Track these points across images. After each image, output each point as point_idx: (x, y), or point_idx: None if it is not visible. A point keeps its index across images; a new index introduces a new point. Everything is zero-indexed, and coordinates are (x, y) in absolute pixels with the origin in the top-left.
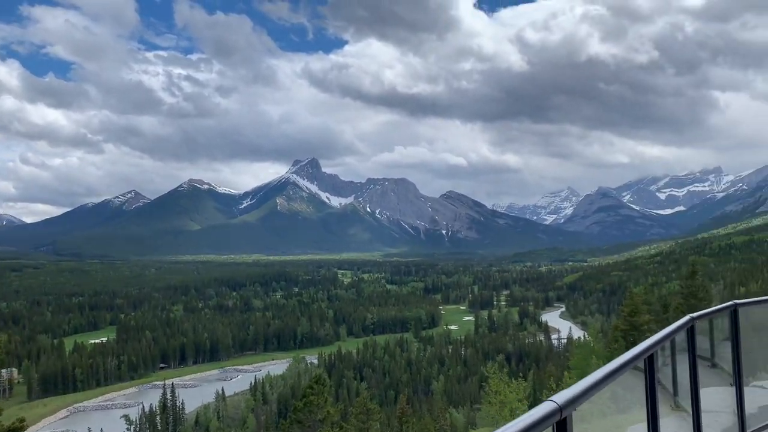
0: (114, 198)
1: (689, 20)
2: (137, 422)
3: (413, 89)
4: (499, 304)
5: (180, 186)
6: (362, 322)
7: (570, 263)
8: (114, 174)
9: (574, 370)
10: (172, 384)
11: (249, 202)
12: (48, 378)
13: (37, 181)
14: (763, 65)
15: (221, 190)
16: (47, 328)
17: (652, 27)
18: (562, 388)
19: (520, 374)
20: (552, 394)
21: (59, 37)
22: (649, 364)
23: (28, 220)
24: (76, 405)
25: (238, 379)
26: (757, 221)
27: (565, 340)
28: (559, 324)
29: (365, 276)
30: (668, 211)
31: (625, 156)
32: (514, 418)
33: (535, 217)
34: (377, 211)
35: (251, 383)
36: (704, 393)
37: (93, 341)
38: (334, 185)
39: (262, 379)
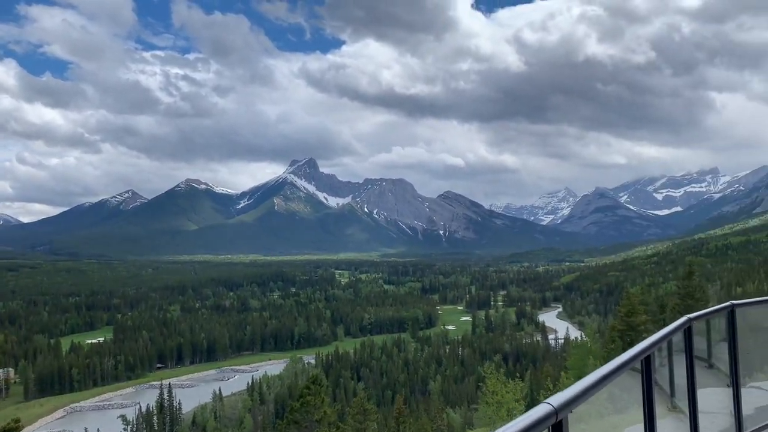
0: (111, 198)
1: (686, 21)
2: (134, 422)
3: (411, 90)
4: (496, 304)
5: (177, 186)
6: (359, 323)
7: (567, 263)
8: (111, 174)
9: (571, 370)
10: (169, 384)
11: (246, 202)
12: (45, 378)
13: (34, 181)
14: (760, 66)
15: (218, 190)
16: (44, 328)
17: (649, 28)
18: (560, 389)
19: (517, 374)
20: (549, 395)
21: (56, 37)
22: (645, 365)
23: (25, 219)
24: (72, 405)
25: (235, 379)
26: (753, 222)
27: (562, 341)
28: (556, 324)
29: (362, 276)
30: (665, 212)
31: (623, 156)
32: (511, 419)
33: (532, 218)
34: (375, 212)
35: (248, 383)
36: (701, 394)
37: (90, 341)
38: (332, 185)
39: (259, 380)
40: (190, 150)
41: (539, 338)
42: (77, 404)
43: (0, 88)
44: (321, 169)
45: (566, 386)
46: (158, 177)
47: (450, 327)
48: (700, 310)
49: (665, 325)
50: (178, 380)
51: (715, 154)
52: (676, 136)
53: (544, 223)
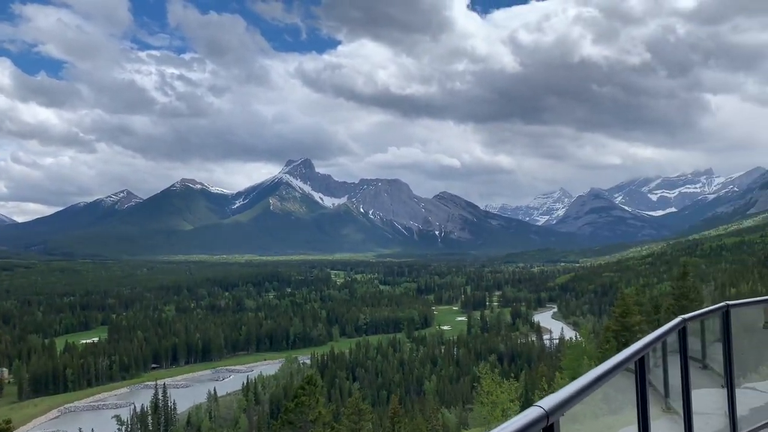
0: (106, 197)
1: (681, 23)
2: (128, 422)
3: (406, 90)
4: (491, 304)
5: (172, 186)
6: (355, 323)
7: (562, 264)
8: (106, 173)
9: (565, 370)
10: (164, 384)
11: (242, 202)
12: (39, 378)
13: (29, 180)
14: (754, 68)
15: (214, 190)
16: (38, 328)
17: (644, 29)
18: (554, 389)
19: (512, 375)
20: (544, 395)
21: (51, 36)
22: (639, 366)
23: (20, 219)
24: (66, 405)
25: (230, 379)
26: (747, 223)
27: (557, 341)
28: (551, 324)
29: (358, 276)
30: (660, 213)
31: (617, 157)
32: (506, 419)
33: (527, 218)
34: (370, 212)
35: (243, 383)
36: (696, 395)
37: (84, 341)
38: (327, 185)
39: (255, 380)
40: (185, 150)
41: (534, 338)
42: (71, 404)
43: None
44: (317, 169)
45: (561, 386)
46: (153, 177)
47: (445, 327)
48: (695, 310)
49: (660, 325)
50: (172, 380)
51: (710, 155)
52: (671, 137)
53: (539, 223)
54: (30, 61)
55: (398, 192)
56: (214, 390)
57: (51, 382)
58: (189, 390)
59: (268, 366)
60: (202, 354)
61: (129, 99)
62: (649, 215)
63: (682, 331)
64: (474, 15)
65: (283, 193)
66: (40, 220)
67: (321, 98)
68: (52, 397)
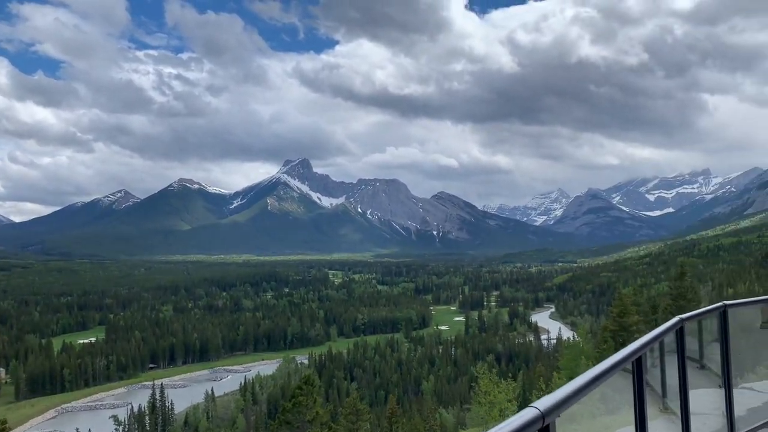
0: (104, 197)
1: (678, 23)
2: (126, 423)
3: (404, 90)
4: (489, 304)
5: (170, 185)
6: (353, 323)
7: (560, 264)
8: (104, 173)
9: (563, 370)
10: (162, 384)
11: (239, 202)
12: (36, 378)
13: (26, 180)
14: (751, 68)
15: (211, 189)
16: (35, 328)
17: (641, 29)
18: (552, 389)
19: (510, 374)
20: (541, 395)
21: (48, 36)
22: (637, 366)
23: (17, 219)
24: (64, 405)
25: (227, 379)
26: (745, 223)
27: (555, 341)
28: (549, 324)
29: (356, 276)
30: (657, 213)
31: (615, 158)
32: (503, 419)
33: (525, 218)
34: (368, 212)
35: (241, 383)
36: (693, 395)
37: (81, 341)
38: (325, 185)
39: (252, 380)
40: (183, 149)
41: (532, 338)
42: (68, 404)
43: None
44: (314, 169)
45: (558, 386)
46: (151, 176)
47: (443, 327)
48: (692, 310)
49: (657, 325)
50: (170, 380)
51: (707, 155)
52: (669, 137)
53: (537, 223)
54: (27, 61)
55: (396, 192)
56: (212, 390)
57: (48, 382)
58: (186, 390)
59: (266, 366)
60: (199, 354)
61: (126, 98)
62: (647, 215)
63: (679, 331)
64: (472, 15)
65: (281, 193)
66: (37, 219)
67: (319, 98)
68: (49, 398)
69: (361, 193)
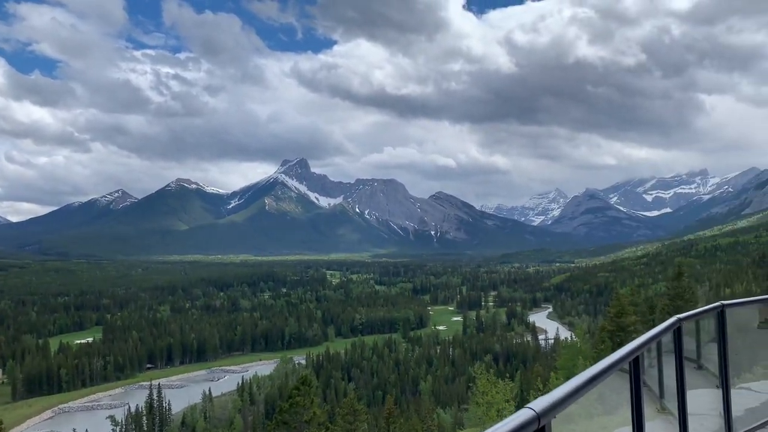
0: (101, 197)
1: (676, 23)
2: (123, 423)
3: (402, 90)
4: (487, 304)
5: (167, 185)
6: (350, 323)
7: (557, 264)
8: (101, 173)
9: (560, 370)
10: (159, 384)
11: (237, 202)
12: (33, 378)
13: (23, 180)
14: (748, 68)
15: (209, 189)
16: (32, 328)
17: (639, 30)
18: (550, 389)
19: (508, 375)
20: (539, 395)
21: (45, 35)
22: (634, 366)
23: (14, 219)
24: (61, 406)
25: (225, 379)
26: (742, 223)
27: (553, 341)
28: (547, 324)
29: (354, 276)
30: (655, 213)
31: (613, 158)
32: (501, 419)
33: (523, 219)
34: (366, 212)
35: (238, 384)
36: (691, 395)
37: (79, 341)
38: (323, 185)
39: (250, 380)
40: (180, 149)
41: (529, 339)
42: (66, 405)
43: None
44: (312, 169)
45: (556, 386)
46: (148, 176)
47: (441, 327)
48: (690, 310)
49: (654, 326)
50: (167, 381)
51: (705, 155)
52: (666, 137)
53: (534, 223)
54: (24, 60)
55: (394, 192)
56: (209, 390)
57: (45, 383)
58: (184, 390)
59: (264, 366)
60: (197, 354)
61: (124, 98)
62: (644, 216)
63: (677, 331)
64: (470, 15)
65: (279, 193)
66: (34, 219)
67: (317, 98)
68: (46, 398)
69: (358, 193)
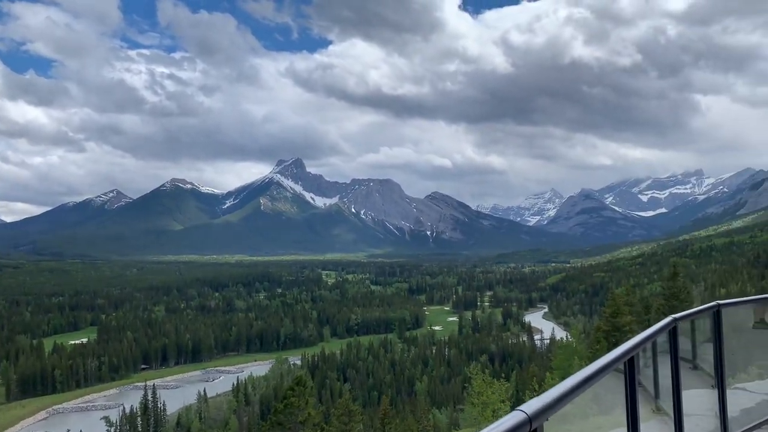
0: (95, 197)
1: (672, 24)
2: (118, 424)
3: (398, 90)
4: (482, 304)
5: (162, 185)
6: (346, 323)
7: (553, 264)
8: (95, 173)
9: (556, 370)
10: (154, 385)
11: (232, 202)
12: (27, 379)
13: (17, 180)
14: (744, 69)
15: (204, 189)
16: (26, 329)
17: (634, 30)
18: (545, 389)
19: (503, 375)
20: (534, 395)
21: (40, 34)
22: (629, 366)
23: (8, 219)
24: (55, 406)
25: (220, 380)
26: (737, 223)
27: (548, 341)
28: (542, 325)
29: (349, 277)
30: (650, 213)
31: (608, 158)
32: (496, 419)
33: (518, 219)
34: (362, 212)
35: (233, 384)
36: (686, 395)
37: (73, 342)
38: (319, 185)
39: (245, 381)
40: (175, 149)
41: (525, 339)
42: (60, 406)
43: None
44: (308, 169)
45: (551, 386)
46: (143, 176)
47: (437, 327)
48: (685, 310)
49: (650, 325)
50: (162, 381)
51: (700, 156)
52: (662, 138)
53: (530, 223)
54: (18, 60)
55: (390, 192)
56: (204, 391)
57: (39, 383)
58: (179, 391)
59: (259, 367)
60: (192, 355)
61: (119, 98)
62: (640, 216)
63: (672, 330)
64: (465, 15)
65: (274, 193)
66: (28, 219)
67: (312, 98)
68: (40, 399)
69: (354, 193)
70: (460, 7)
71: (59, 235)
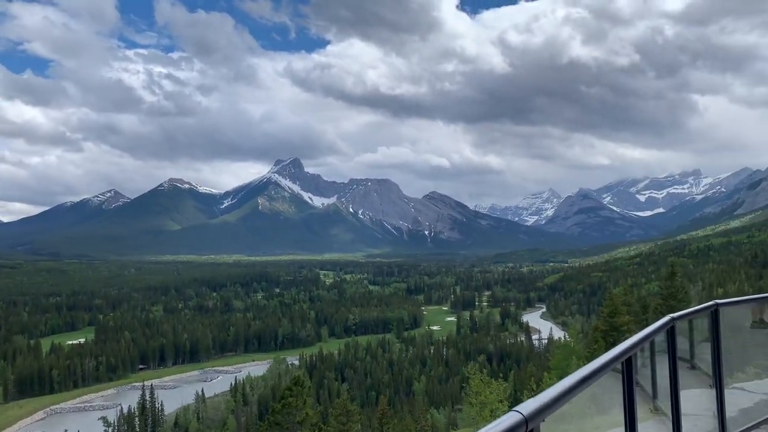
0: (93, 197)
1: (669, 24)
2: (115, 424)
3: (396, 90)
4: (480, 304)
5: (160, 185)
6: (344, 323)
7: (551, 264)
8: (93, 173)
9: (554, 370)
10: (151, 385)
11: (230, 202)
12: (24, 379)
13: (15, 180)
14: (741, 69)
15: (202, 189)
16: (24, 329)
17: (632, 30)
18: (543, 389)
19: (501, 375)
20: (532, 395)
21: (37, 34)
22: (627, 366)
23: (5, 219)
24: (52, 407)
25: (218, 380)
26: (734, 223)
27: (546, 341)
28: (540, 324)
29: (347, 277)
30: (648, 213)
31: (606, 158)
32: (493, 419)
33: (516, 218)
34: (360, 212)
35: (231, 384)
36: (684, 395)
37: (71, 342)
38: (317, 185)
39: (243, 381)
40: (173, 149)
41: (523, 338)
42: (57, 406)
43: None
44: (306, 169)
45: (549, 386)
46: (141, 176)
47: (435, 327)
48: (683, 310)
49: (647, 325)
50: (160, 381)
51: (698, 156)
52: (659, 137)
53: (528, 223)
54: (16, 59)
55: (388, 192)
56: (202, 391)
57: (37, 384)
58: (177, 391)
59: (257, 367)
60: (189, 355)
61: (116, 98)
62: (637, 216)
63: (670, 330)
64: (463, 15)
65: (272, 192)
66: (26, 219)
67: (310, 98)
68: (37, 399)
69: (352, 192)
70: (457, 7)
71: (57, 235)
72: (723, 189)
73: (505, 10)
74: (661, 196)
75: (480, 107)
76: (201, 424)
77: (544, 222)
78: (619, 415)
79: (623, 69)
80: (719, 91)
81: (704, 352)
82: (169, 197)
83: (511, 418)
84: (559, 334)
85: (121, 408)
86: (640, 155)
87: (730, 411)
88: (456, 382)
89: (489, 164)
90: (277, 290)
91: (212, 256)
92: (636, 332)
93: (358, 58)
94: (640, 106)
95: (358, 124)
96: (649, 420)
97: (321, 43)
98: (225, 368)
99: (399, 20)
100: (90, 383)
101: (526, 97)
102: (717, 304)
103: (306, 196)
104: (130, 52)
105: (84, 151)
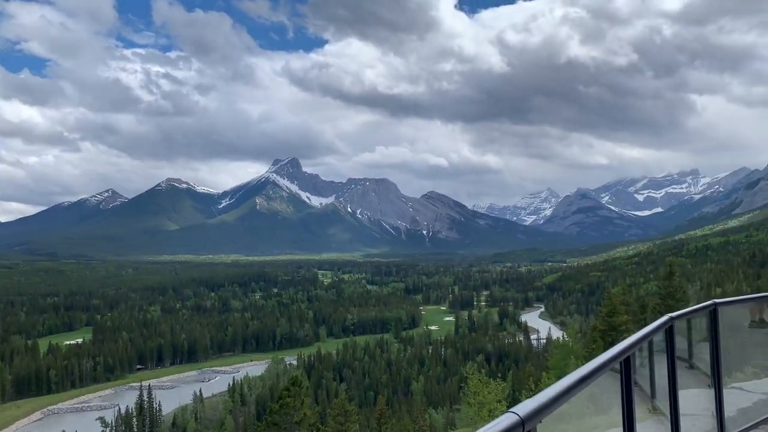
0: (91, 197)
1: (667, 24)
2: (113, 424)
3: (394, 89)
4: (479, 304)
5: (158, 185)
6: (342, 323)
7: (549, 264)
8: (91, 172)
9: (552, 370)
10: (149, 385)
11: (228, 202)
12: (21, 380)
13: (12, 180)
14: (739, 69)
15: (200, 189)
16: (21, 329)
17: (630, 30)
18: (541, 389)
19: (500, 375)
20: (531, 395)
21: (34, 33)
22: (625, 366)
23: (2, 219)
24: (50, 407)
25: (216, 380)
26: (732, 223)
27: (545, 341)
28: (539, 324)
29: (345, 276)
30: (646, 213)
31: (604, 157)
32: (492, 419)
33: (515, 218)
34: (358, 211)
35: (229, 384)
36: (682, 395)
37: (68, 342)
38: (315, 185)
39: (241, 381)
40: (171, 149)
41: (521, 338)
42: (55, 406)
43: None
44: (304, 169)
45: (547, 386)
46: (139, 176)
47: (433, 327)
48: (681, 310)
49: (646, 325)
50: (158, 381)
51: (696, 155)
52: (658, 137)
53: (526, 223)
54: (13, 59)
55: (386, 191)
56: (200, 391)
57: (34, 384)
58: (174, 391)
59: (255, 367)
60: (187, 355)
61: (114, 97)
62: (636, 215)
63: (669, 330)
64: (461, 15)
65: (270, 192)
66: (23, 219)
67: (308, 97)
68: (35, 399)
69: (350, 192)
70: (455, 6)
71: (54, 235)
72: (721, 188)
73: (503, 10)
74: (659, 195)
75: (478, 107)
76: (199, 424)
77: (542, 222)
78: (617, 415)
79: (621, 69)
80: (717, 91)
81: (703, 352)
82: (166, 197)
83: (507, 419)
84: (557, 333)
85: (119, 408)
86: (639, 155)
87: (728, 411)
88: (454, 382)
89: (487, 164)
90: (275, 290)
91: (210, 256)
92: (634, 332)
93: (356, 58)
94: (638, 105)
95: (356, 124)
96: (647, 420)
97: (319, 43)
98: (223, 368)
99: (397, 20)
100: (87, 383)
101: (525, 96)
102: (715, 304)
103: (304, 195)
104: (127, 52)
105: (81, 150)
